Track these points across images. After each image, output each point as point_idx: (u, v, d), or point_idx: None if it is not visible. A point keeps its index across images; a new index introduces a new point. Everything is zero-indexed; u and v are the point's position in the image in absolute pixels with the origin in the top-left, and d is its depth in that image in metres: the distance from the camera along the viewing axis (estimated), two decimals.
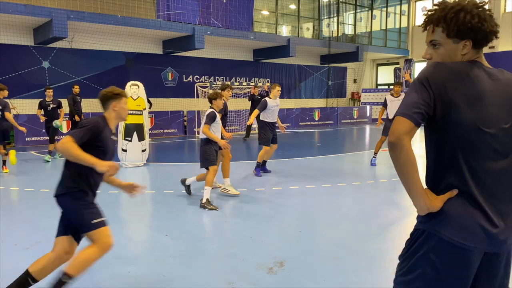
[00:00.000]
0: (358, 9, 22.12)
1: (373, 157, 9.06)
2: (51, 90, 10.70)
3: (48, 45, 14.51)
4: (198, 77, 18.39)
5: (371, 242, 4.43)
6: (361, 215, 5.44)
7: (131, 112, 9.01)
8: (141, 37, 15.93)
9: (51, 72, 14.75)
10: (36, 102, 14.10)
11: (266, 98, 7.99)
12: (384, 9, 23.32)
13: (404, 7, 24.12)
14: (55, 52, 14.78)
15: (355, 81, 24.99)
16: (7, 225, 5.05)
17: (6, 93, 8.72)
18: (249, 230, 4.87)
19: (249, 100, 14.57)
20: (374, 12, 22.85)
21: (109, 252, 3.03)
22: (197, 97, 16.55)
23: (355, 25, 21.96)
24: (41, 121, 10.76)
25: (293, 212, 5.71)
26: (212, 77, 18.73)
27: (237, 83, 17.58)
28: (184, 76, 18.07)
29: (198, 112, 16.51)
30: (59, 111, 10.55)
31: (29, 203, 6.20)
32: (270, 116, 7.99)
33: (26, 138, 12.96)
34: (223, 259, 4.03)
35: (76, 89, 12.48)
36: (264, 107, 7.86)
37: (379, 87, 25.78)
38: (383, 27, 23.42)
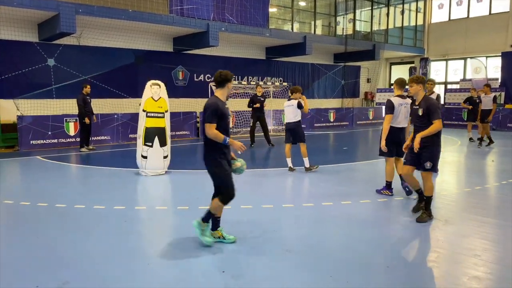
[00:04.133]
0: (374, 5, 21.25)
1: None
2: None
3: (54, 42, 13.59)
4: (210, 76, 17.49)
5: None
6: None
7: (152, 114, 8.12)
8: (151, 33, 15.03)
9: (57, 70, 13.83)
10: (41, 102, 13.25)
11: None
12: (400, 6, 22.47)
13: (420, 4, 23.27)
14: (61, 49, 13.86)
15: (368, 80, 24.13)
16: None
17: None
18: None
19: (252, 102, 12.53)
20: (385, 10, 21.98)
21: None
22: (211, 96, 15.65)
23: (371, 22, 21.11)
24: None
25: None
26: None
27: (245, 82, 16.70)
28: (195, 75, 17.19)
29: None
30: None
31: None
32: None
33: (31, 142, 12.04)
34: None
35: (88, 88, 11.63)
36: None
37: (392, 87, 24.94)
38: (399, 24, 22.59)
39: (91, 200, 6.25)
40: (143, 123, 8.12)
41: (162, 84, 8.32)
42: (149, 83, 8.28)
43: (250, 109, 12.73)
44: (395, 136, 6.24)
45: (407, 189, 6.37)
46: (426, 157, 5.11)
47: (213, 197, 4.45)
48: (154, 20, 13.51)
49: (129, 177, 8.11)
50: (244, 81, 17.48)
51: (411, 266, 3.96)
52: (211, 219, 4.43)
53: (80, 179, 8.16)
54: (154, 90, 8.16)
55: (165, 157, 8.29)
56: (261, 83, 16.17)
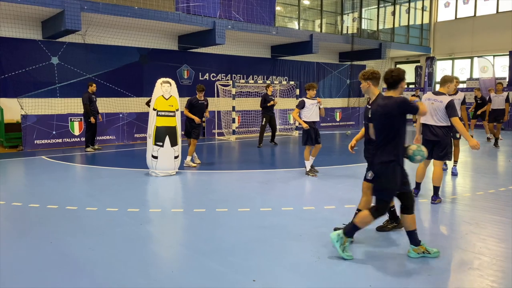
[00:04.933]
0: (380, 4, 21.01)
1: (454, 165, 8.05)
2: None
3: (58, 40, 13.33)
4: (215, 75, 17.25)
5: None
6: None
7: (163, 113, 7.88)
8: (156, 31, 14.77)
9: (61, 69, 13.56)
10: (44, 101, 12.99)
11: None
12: (406, 4, 22.22)
13: (426, 2, 23.03)
14: (65, 47, 13.59)
15: None
16: None
17: None
18: None
19: (264, 102, 12.50)
20: (391, 8, 21.72)
21: None
22: (217, 96, 15.39)
23: (378, 20, 20.86)
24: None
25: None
26: (229, 75, 17.59)
27: (253, 81, 16.45)
28: (200, 73, 16.92)
29: (219, 112, 15.37)
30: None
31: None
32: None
33: (35, 141, 11.78)
34: None
35: (93, 87, 11.37)
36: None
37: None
38: (405, 23, 22.34)
39: (103, 202, 6.01)
40: (153, 122, 7.87)
41: (173, 82, 8.07)
42: (159, 81, 8.04)
43: (258, 107, 12.59)
44: (425, 134, 5.96)
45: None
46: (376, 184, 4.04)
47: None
48: (160, 18, 13.25)
49: (139, 177, 7.86)
50: (252, 80, 17.23)
51: (454, 274, 3.71)
52: (409, 234, 3.98)
53: (88, 180, 7.90)
54: (165, 88, 7.91)
55: (176, 157, 8.03)
56: (268, 81, 15.93)
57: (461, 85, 22.02)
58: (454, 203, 6.06)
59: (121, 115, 13.45)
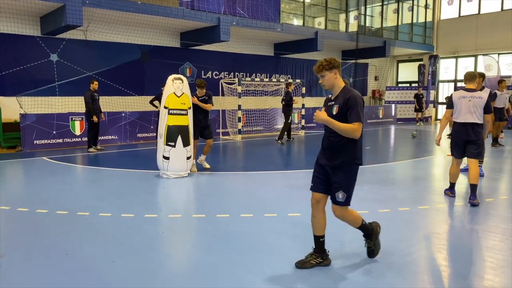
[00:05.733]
0: (385, 1, 20.69)
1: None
2: None
3: (57, 36, 12.84)
4: (218, 72, 16.82)
5: None
6: None
7: (174, 111, 7.45)
8: (159, 28, 14.30)
9: (60, 66, 13.07)
10: (43, 99, 12.48)
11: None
12: (410, 1, 21.93)
13: (429, 0, 22.75)
14: (64, 44, 13.10)
15: (376, 78, 23.59)
16: None
17: None
18: None
19: (286, 99, 12.97)
20: (395, 6, 21.40)
21: None
22: (222, 94, 14.95)
23: (382, 18, 20.54)
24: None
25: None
26: (232, 73, 17.17)
27: (258, 79, 16.05)
28: (203, 71, 16.48)
29: (224, 111, 14.94)
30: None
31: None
32: None
33: (35, 141, 11.29)
34: None
35: (95, 85, 10.92)
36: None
37: (399, 85, 24.45)
38: (408, 21, 22.05)
39: (116, 207, 5.57)
40: (165, 121, 7.44)
41: (184, 79, 7.66)
42: (170, 77, 7.61)
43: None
44: (462, 134, 5.68)
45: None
46: (338, 182, 3.48)
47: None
48: (163, 13, 12.80)
49: (149, 180, 7.43)
50: (257, 78, 16.84)
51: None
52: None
53: (96, 182, 7.45)
54: (177, 85, 7.48)
55: (188, 158, 7.61)
56: (289, 80, 15.54)
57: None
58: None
59: (123, 114, 12.98)
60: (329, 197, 3.62)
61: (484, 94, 5.65)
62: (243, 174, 8.33)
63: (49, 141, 11.53)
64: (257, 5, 15.09)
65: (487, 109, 5.59)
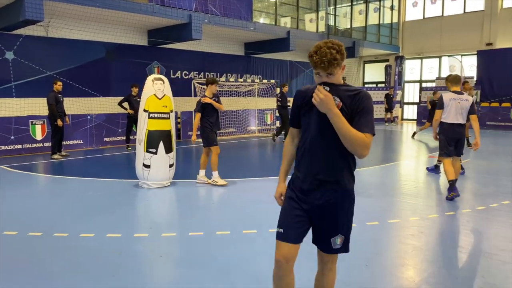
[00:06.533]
0: (354, 2, 20.71)
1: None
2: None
3: (12, 32, 11.74)
4: (187, 72, 16.13)
5: None
6: None
7: (156, 115, 6.81)
8: (125, 25, 13.45)
9: (16, 65, 11.95)
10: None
11: None
12: (377, 2, 22.10)
13: (395, 1, 23.04)
14: (21, 41, 11.99)
15: (344, 79, 23.54)
16: None
17: None
18: None
19: (282, 101, 13.08)
20: (362, 6, 21.50)
21: None
22: (195, 95, 14.28)
23: (351, 18, 20.54)
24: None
25: None
26: (202, 73, 16.53)
27: (233, 79, 15.53)
28: (171, 71, 15.73)
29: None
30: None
31: None
32: None
33: None
34: None
35: (59, 85, 10.03)
36: None
37: (366, 85, 24.64)
38: (375, 22, 22.22)
39: (98, 225, 4.90)
40: (145, 126, 6.79)
41: (165, 79, 7.04)
42: (150, 77, 6.98)
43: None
44: (452, 133, 6.12)
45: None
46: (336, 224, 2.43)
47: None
48: (132, 9, 12.00)
49: (128, 190, 6.74)
50: (232, 78, 16.29)
51: None
52: None
53: (68, 195, 6.66)
54: (158, 86, 6.86)
55: (170, 165, 6.99)
56: (242, 79, 15.07)
57: (429, 84, 22.26)
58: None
59: (88, 117, 12.07)
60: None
61: (469, 97, 6.09)
62: (228, 181, 7.78)
63: (6, 147, 10.49)
64: (230, 2, 14.55)
65: (472, 110, 6.11)
